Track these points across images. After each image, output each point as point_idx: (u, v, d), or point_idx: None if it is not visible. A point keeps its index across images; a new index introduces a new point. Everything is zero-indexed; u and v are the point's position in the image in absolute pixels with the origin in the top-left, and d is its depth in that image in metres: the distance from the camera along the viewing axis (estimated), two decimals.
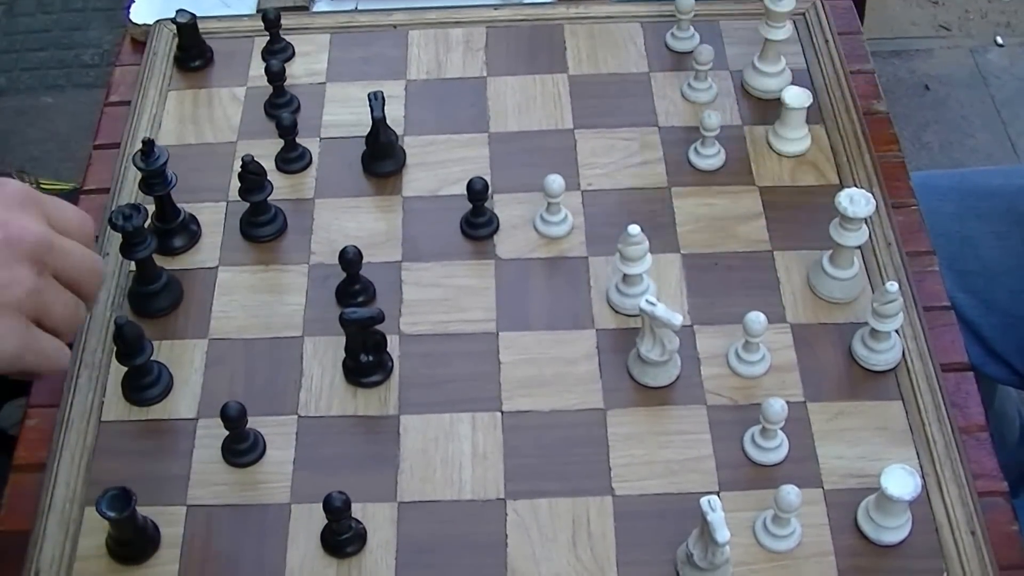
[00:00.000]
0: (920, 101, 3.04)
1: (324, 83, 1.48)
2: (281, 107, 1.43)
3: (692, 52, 1.44)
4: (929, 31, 3.25)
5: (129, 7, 1.61)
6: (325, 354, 1.23)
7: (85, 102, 3.13)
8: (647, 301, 1.16)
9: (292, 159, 1.39)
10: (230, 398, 1.19)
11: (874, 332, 1.19)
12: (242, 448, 1.16)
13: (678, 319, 1.15)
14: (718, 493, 1.12)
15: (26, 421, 1.24)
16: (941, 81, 3.08)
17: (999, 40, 3.19)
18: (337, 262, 1.24)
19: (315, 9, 1.60)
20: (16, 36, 3.33)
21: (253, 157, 1.28)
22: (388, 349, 1.21)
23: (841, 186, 1.34)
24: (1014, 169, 2.51)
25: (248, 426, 1.15)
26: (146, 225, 1.23)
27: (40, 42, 3.32)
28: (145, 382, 1.21)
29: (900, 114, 1.43)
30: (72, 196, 1.45)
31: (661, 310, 1.15)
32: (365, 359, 1.20)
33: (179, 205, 1.32)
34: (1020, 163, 2.91)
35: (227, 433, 1.15)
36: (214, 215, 1.35)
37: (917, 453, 1.15)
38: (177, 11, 1.48)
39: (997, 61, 3.08)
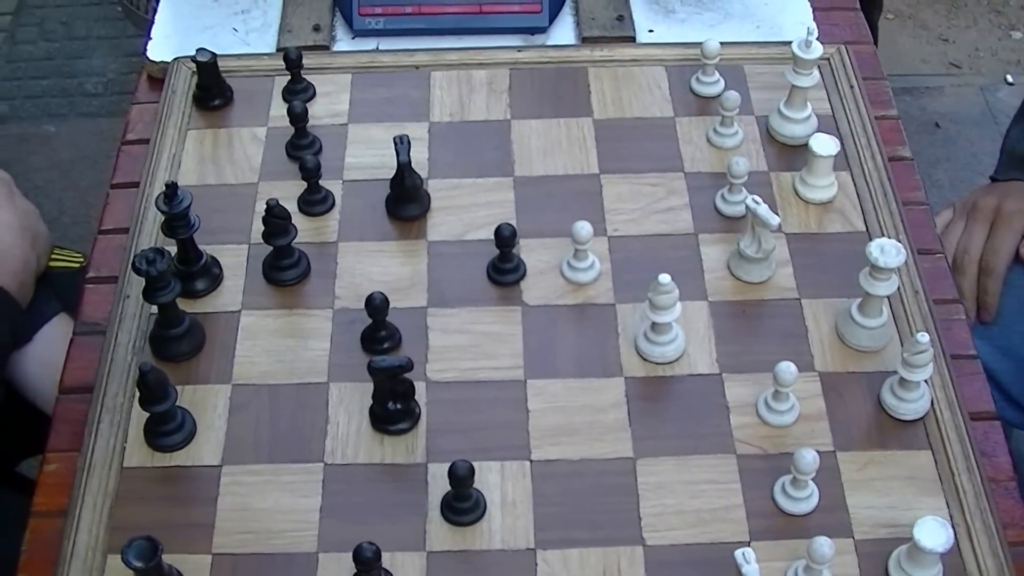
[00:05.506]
0: (930, 139, 3.04)
1: (346, 124, 1.47)
2: (303, 148, 1.42)
3: (718, 97, 1.44)
4: (940, 69, 3.26)
5: (146, 44, 1.60)
6: (351, 401, 1.22)
7: (88, 131, 3.12)
8: (753, 199, 1.27)
9: (315, 202, 1.38)
10: (255, 444, 1.20)
11: (903, 381, 1.19)
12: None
13: (776, 220, 1.26)
14: (749, 543, 1.11)
15: (45, 466, 1.23)
16: (951, 119, 3.08)
17: (1009, 79, 3.19)
18: (361, 307, 1.24)
19: (336, 49, 1.59)
20: (19, 64, 3.32)
21: (278, 201, 1.27)
22: (415, 396, 1.20)
23: (868, 234, 1.34)
24: None
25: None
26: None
27: (43, 70, 3.31)
28: (168, 428, 1.20)
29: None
30: (82, 272, 1.45)
31: (763, 210, 1.26)
32: (393, 407, 1.19)
33: (200, 247, 1.31)
34: None
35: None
36: (236, 258, 1.34)
37: (947, 503, 1.15)
38: (197, 50, 1.47)
39: (1007, 99, 3.08)
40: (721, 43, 1.45)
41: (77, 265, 1.61)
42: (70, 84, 3.27)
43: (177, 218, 1.27)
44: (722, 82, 1.48)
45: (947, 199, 2.85)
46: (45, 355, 1.50)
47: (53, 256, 1.59)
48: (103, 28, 3.40)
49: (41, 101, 3.22)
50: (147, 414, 1.19)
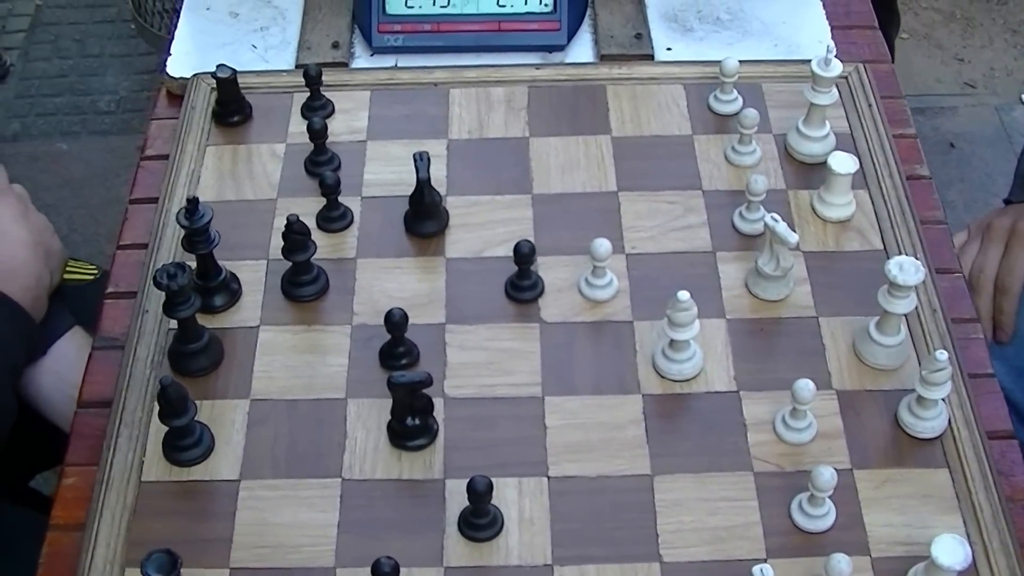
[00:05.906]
0: (945, 159, 3.04)
1: (365, 141, 1.47)
2: (322, 165, 1.42)
3: (736, 115, 1.44)
4: (954, 88, 3.26)
5: (165, 60, 1.61)
6: (369, 416, 1.22)
7: (100, 149, 3.12)
8: (771, 217, 1.26)
9: (334, 218, 1.38)
10: (272, 460, 1.20)
11: (921, 399, 1.19)
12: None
13: (794, 238, 1.26)
14: (766, 560, 1.11)
15: (63, 480, 1.23)
16: (966, 139, 3.09)
17: None
18: (380, 323, 1.24)
19: (355, 66, 1.59)
20: (31, 81, 3.33)
21: (298, 217, 1.27)
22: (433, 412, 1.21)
23: (885, 252, 1.34)
24: None
25: None
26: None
27: (55, 88, 3.31)
28: (187, 443, 1.20)
29: None
30: (96, 284, 1.46)
31: (781, 227, 1.25)
32: (411, 422, 1.19)
33: (219, 263, 1.32)
34: None
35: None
36: (254, 273, 1.35)
37: (964, 521, 1.15)
38: (217, 66, 1.47)
39: (1022, 119, 3.08)
40: (739, 61, 1.45)
41: (91, 277, 1.61)
42: (83, 102, 3.27)
43: (198, 233, 1.27)
44: (740, 100, 1.48)
45: (961, 220, 2.84)
46: (59, 369, 1.50)
47: (67, 268, 1.59)
48: (116, 46, 3.41)
49: (53, 119, 3.23)
50: (165, 428, 1.19)
